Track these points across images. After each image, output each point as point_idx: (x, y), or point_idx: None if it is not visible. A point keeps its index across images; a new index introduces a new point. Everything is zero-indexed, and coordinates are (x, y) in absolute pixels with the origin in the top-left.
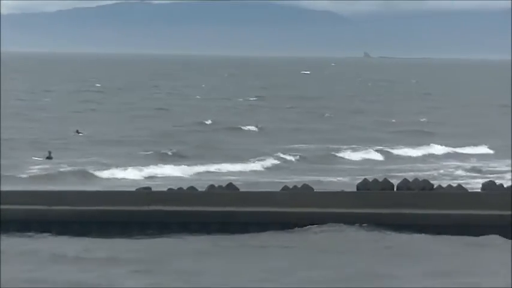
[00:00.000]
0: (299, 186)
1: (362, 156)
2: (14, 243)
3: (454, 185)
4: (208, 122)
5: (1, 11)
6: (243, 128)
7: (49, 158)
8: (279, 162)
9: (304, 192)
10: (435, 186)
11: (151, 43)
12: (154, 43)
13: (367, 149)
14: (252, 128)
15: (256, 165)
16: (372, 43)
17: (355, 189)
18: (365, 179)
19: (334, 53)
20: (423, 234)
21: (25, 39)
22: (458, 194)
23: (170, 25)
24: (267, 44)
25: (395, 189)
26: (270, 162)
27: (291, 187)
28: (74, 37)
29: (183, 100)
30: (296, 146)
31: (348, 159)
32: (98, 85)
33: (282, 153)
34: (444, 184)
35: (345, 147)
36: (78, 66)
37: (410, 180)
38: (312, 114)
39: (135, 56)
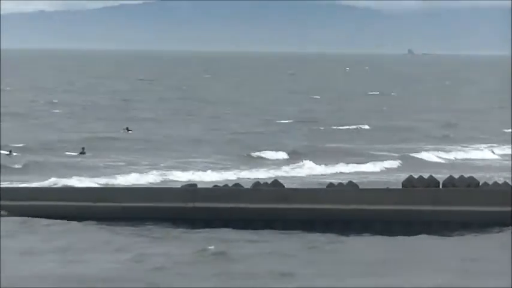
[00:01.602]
0: (345, 183)
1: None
2: None
3: (500, 182)
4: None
5: (45, 8)
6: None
7: (82, 153)
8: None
9: (349, 190)
10: (481, 184)
11: (196, 40)
12: (198, 40)
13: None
14: (364, 126)
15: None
16: (414, 40)
17: (400, 187)
18: (410, 175)
19: (376, 50)
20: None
21: (70, 36)
22: (504, 191)
23: (215, 22)
24: (307, 41)
25: (440, 186)
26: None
27: (336, 184)
28: (119, 34)
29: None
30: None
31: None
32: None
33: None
34: (490, 181)
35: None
36: (128, 63)
37: (456, 177)
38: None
39: (182, 52)
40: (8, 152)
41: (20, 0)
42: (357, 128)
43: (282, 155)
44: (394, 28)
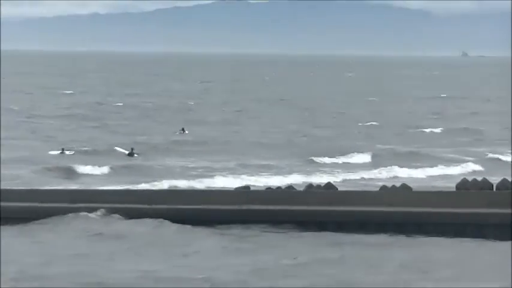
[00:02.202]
0: (398, 185)
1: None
2: None
3: None
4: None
5: (99, 10)
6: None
7: (131, 154)
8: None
9: (402, 192)
10: None
11: (248, 43)
12: (251, 43)
13: None
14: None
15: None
16: (467, 42)
17: (454, 189)
18: (464, 178)
19: (429, 52)
20: None
21: (123, 38)
22: None
23: (267, 25)
24: (360, 43)
25: (494, 188)
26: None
27: (389, 186)
28: (171, 36)
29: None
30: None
31: None
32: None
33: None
34: None
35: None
36: (182, 65)
37: (510, 179)
38: None
39: (233, 55)
40: (129, 151)
41: (76, 1)
42: (430, 131)
43: (366, 158)
44: (446, 30)
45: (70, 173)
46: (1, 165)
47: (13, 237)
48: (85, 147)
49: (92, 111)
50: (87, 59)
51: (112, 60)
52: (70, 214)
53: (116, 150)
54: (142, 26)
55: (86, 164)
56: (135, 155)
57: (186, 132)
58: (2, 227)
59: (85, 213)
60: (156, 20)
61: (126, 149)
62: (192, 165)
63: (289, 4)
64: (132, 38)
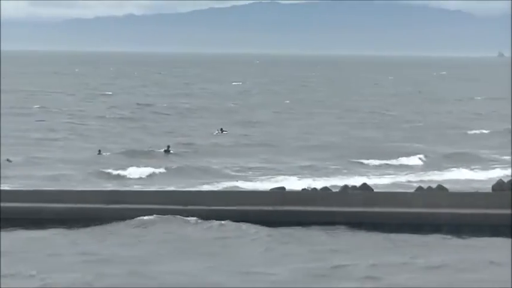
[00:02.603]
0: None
1: None
2: None
3: None
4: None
5: (135, 12)
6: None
7: (167, 151)
8: None
9: (438, 193)
10: None
11: (284, 44)
12: (286, 43)
13: None
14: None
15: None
16: (505, 42)
17: (490, 190)
18: (500, 179)
19: (466, 53)
20: None
21: (158, 40)
22: None
23: (302, 26)
24: (396, 43)
25: None
26: None
27: (425, 188)
28: (208, 37)
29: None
30: None
31: None
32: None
33: None
34: None
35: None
36: (219, 66)
37: None
38: None
39: (270, 56)
40: (165, 148)
41: (113, 1)
42: (479, 132)
43: (414, 160)
44: (484, 30)
45: (116, 176)
46: (49, 166)
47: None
48: (128, 148)
49: (132, 112)
50: (124, 60)
51: (148, 61)
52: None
53: (159, 151)
54: (178, 27)
55: (132, 166)
56: (171, 151)
57: (225, 132)
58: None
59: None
60: (192, 21)
61: (163, 149)
62: (250, 165)
63: (327, 4)
64: (168, 39)
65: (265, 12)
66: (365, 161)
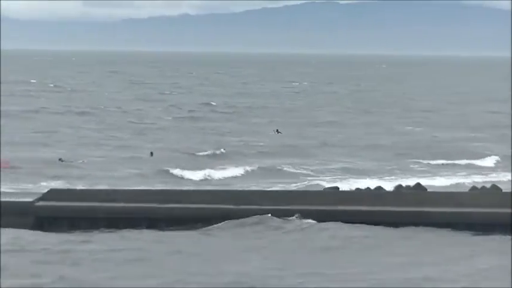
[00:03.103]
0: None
1: None
2: None
3: None
4: None
5: (190, 12)
6: None
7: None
8: None
9: (492, 193)
10: None
11: (338, 43)
12: (340, 43)
13: None
14: None
15: None
16: None
17: None
18: None
19: None
20: None
21: (213, 39)
22: None
23: (356, 25)
24: (452, 42)
25: None
26: None
27: (479, 188)
28: (261, 37)
29: None
30: None
31: None
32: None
33: None
34: None
35: None
36: (273, 66)
37: None
38: None
39: (324, 56)
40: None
41: (167, 1)
42: None
43: (490, 161)
44: None
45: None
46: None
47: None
48: (187, 148)
49: (193, 111)
50: (178, 60)
51: (203, 60)
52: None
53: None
54: (232, 27)
55: (202, 168)
56: (222, 150)
57: (281, 132)
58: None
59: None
60: (245, 21)
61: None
62: (329, 166)
63: (379, 4)
64: (221, 39)
65: (317, 12)
66: (432, 162)
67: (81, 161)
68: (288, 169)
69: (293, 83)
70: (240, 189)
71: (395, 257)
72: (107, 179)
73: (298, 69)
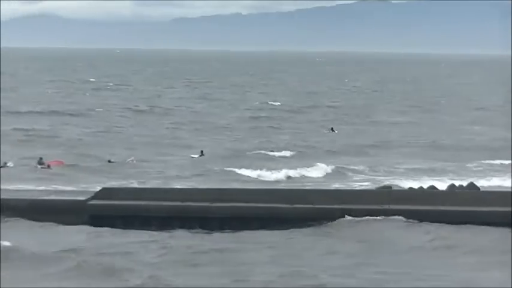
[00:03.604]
0: None
1: None
2: None
3: None
4: None
5: (241, 11)
6: None
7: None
8: None
9: None
10: None
11: (389, 41)
12: (392, 41)
13: None
14: None
15: None
16: None
17: None
18: None
19: None
20: None
21: (264, 38)
22: None
23: (408, 24)
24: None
25: None
26: None
27: None
28: (313, 36)
29: None
30: None
31: None
32: None
33: None
34: None
35: None
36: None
37: None
38: None
39: (377, 54)
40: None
41: (219, 1)
42: None
43: None
44: None
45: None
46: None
47: None
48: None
49: (259, 111)
50: (233, 58)
51: (256, 59)
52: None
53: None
54: (283, 26)
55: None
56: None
57: (336, 131)
58: None
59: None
60: (297, 20)
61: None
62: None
63: (428, 4)
64: (273, 38)
65: (369, 11)
66: (491, 161)
67: (130, 159)
68: (347, 167)
69: (350, 81)
70: (325, 188)
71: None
72: (160, 178)
73: (353, 67)
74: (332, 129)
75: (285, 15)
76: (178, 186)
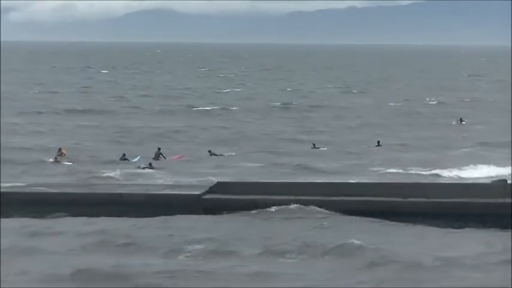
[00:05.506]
0: None
1: None
2: None
3: None
4: None
5: (356, 4)
6: None
7: (378, 145)
8: None
9: None
10: None
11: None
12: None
13: None
14: None
15: None
16: None
17: None
18: None
19: None
20: None
21: (381, 31)
22: None
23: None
24: None
25: None
26: None
27: None
28: (427, 29)
29: None
30: None
31: None
32: None
33: None
34: None
35: None
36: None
37: None
38: None
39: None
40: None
41: None
42: None
43: None
44: None
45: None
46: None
47: None
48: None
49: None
50: (353, 52)
51: (375, 52)
52: None
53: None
54: (399, 18)
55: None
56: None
57: (464, 122)
58: None
59: None
60: (412, 13)
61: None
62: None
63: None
64: (389, 31)
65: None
66: None
67: (229, 154)
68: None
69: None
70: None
71: None
72: (264, 174)
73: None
74: (461, 120)
75: (401, 8)
76: (298, 181)
